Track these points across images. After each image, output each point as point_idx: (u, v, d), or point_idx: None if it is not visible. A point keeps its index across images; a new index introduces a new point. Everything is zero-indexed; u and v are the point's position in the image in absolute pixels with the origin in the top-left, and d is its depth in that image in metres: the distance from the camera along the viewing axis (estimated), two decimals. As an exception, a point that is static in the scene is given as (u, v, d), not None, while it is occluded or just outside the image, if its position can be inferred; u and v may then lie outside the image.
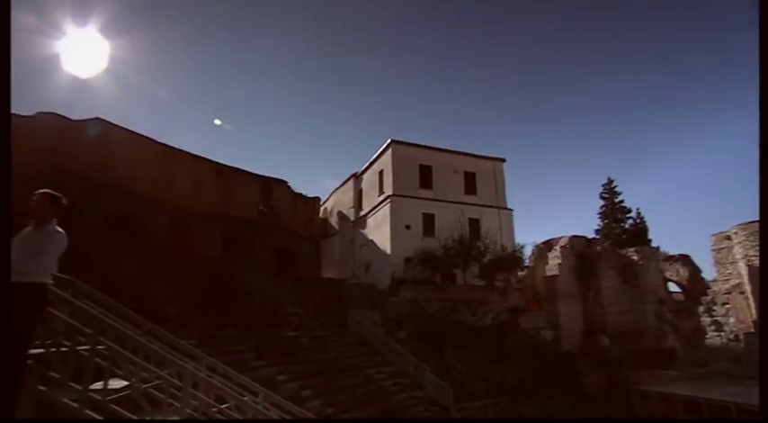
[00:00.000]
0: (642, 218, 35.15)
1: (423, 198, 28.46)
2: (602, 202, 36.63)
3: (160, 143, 21.22)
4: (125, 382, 4.19)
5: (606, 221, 35.87)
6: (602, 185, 36.87)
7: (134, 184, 18.88)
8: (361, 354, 17.35)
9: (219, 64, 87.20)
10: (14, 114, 16.92)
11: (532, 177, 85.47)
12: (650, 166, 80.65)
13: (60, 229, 3.45)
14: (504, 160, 32.05)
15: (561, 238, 28.54)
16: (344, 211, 34.20)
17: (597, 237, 32.67)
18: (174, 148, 21.86)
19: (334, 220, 35.22)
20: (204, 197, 22.36)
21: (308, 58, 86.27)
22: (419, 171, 29.09)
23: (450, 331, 21.57)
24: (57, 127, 17.71)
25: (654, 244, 30.66)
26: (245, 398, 5.34)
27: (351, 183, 34.06)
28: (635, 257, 25.88)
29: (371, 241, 29.50)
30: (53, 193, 3.51)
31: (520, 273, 28.42)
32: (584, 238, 28.42)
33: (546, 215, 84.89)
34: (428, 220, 28.20)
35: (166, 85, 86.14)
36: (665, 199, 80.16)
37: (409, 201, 27.96)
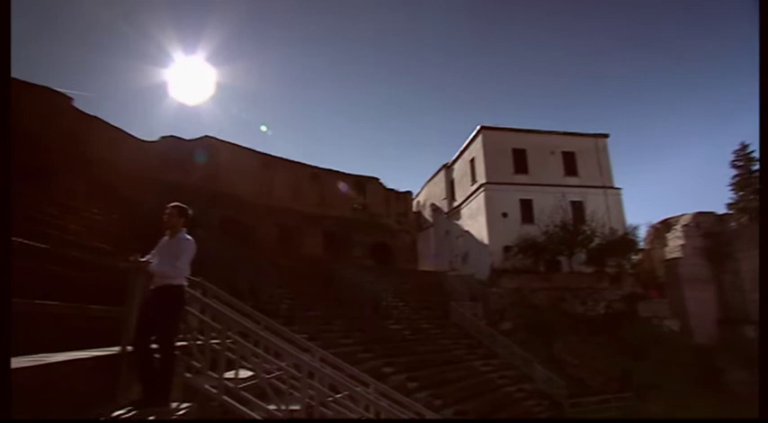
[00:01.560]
0: (790, 186, 29.60)
1: (518, 184, 27.19)
2: (734, 172, 31.65)
3: (261, 153, 23.05)
4: (250, 372, 4.63)
5: (742, 193, 30.89)
6: (734, 152, 31.81)
7: (241, 192, 20.80)
8: (465, 346, 17.17)
9: (316, 78, 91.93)
10: (141, 140, 19.78)
11: (641, 153, 77.04)
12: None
13: (190, 237, 3.93)
14: (606, 136, 29.33)
15: (682, 216, 25.31)
16: (437, 203, 34.04)
17: (730, 211, 28.26)
18: (274, 157, 23.55)
19: (427, 213, 35.27)
20: (303, 199, 23.81)
21: (393, 53, 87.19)
22: (512, 156, 27.83)
23: (558, 322, 20.37)
24: (175, 147, 20.19)
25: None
26: (357, 389, 5.57)
27: (442, 174, 33.75)
28: (783, 233, 21.94)
29: (467, 232, 28.98)
30: (182, 205, 4.00)
31: (634, 257, 25.79)
32: (712, 214, 24.87)
33: (659, 193, 76.05)
34: (526, 206, 26.88)
35: (268, 105, 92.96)
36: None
37: (504, 188, 26.89)
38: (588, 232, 23.90)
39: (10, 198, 1.30)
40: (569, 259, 24.13)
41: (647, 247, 26.48)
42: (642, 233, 26.40)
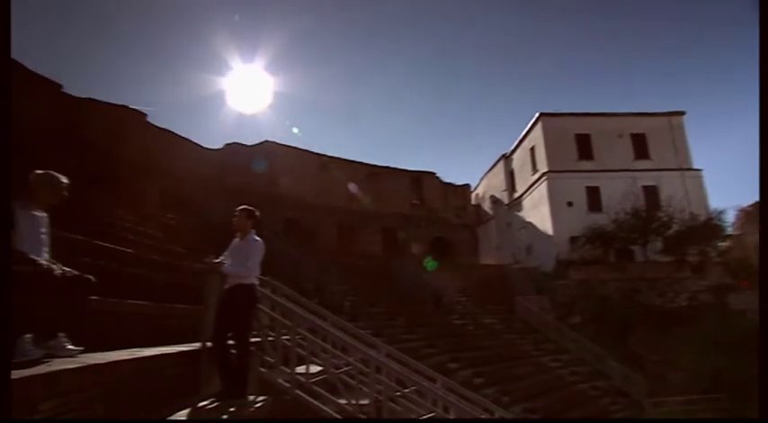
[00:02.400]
0: None
1: (583, 170, 25.75)
2: None
3: (318, 154, 23.65)
4: (319, 367, 4.76)
5: None
6: None
7: (301, 194, 21.49)
8: (532, 341, 16.61)
9: (370, 79, 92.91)
10: (206, 148, 21.06)
11: (724, 131, 70.07)
12: None
13: (258, 238, 4.11)
14: (682, 113, 26.95)
15: (778, 196, 22.65)
16: (497, 195, 33.12)
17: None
18: (331, 157, 24.07)
19: (487, 206, 34.43)
20: (362, 197, 24.13)
21: (444, 46, 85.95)
22: (576, 142, 26.39)
23: (633, 315, 19.05)
24: (238, 153, 21.28)
25: None
26: (424, 384, 5.55)
27: (501, 164, 32.77)
28: None
29: (530, 223, 27.94)
30: (249, 208, 4.19)
31: (721, 244, 23.50)
32: (814, 193, 22.04)
33: (748, 173, 68.72)
34: (592, 193, 25.41)
35: (322, 109, 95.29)
36: None
37: (568, 175, 25.59)
38: (664, 219, 22.11)
39: (10, 198, 1.37)
40: (643, 248, 22.50)
41: (737, 232, 24.06)
42: (730, 218, 24.00)
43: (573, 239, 24.02)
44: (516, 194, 30.36)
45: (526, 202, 28.79)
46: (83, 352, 2.97)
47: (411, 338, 12.92)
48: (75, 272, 3.13)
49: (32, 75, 14.82)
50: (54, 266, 2.98)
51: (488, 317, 17.34)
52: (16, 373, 2.06)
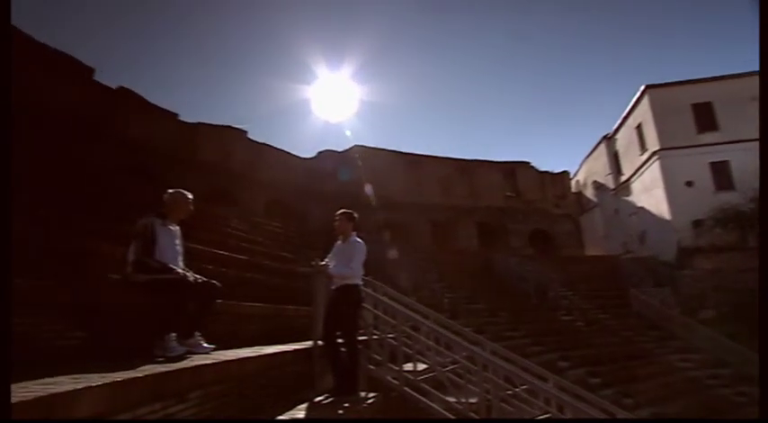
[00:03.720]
0: None
1: (705, 144, 22.59)
2: None
3: (407, 153, 23.86)
4: (425, 365, 4.78)
5: None
6: None
7: (392, 194, 21.86)
8: (654, 338, 14.98)
9: (458, 75, 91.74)
10: (301, 157, 22.40)
11: None
12: None
13: (360, 240, 4.26)
14: (835, 63, 22.35)
15: None
16: (600, 180, 30.51)
17: None
18: (420, 155, 24.15)
19: (589, 192, 31.88)
20: (453, 193, 23.86)
21: (533, 31, 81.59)
22: (693, 112, 23.23)
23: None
24: (330, 160, 22.33)
25: None
26: (535, 382, 5.29)
27: (602, 147, 30.12)
28: None
29: (642, 208, 25.27)
30: (349, 211, 4.38)
31: None
32: None
33: None
34: (720, 170, 22.15)
35: (412, 116, 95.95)
36: None
37: (685, 152, 22.62)
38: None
39: (10, 197, 1.49)
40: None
41: None
42: None
43: (697, 223, 21.17)
44: (623, 178, 27.65)
45: (635, 186, 26.09)
46: (215, 349, 3.34)
47: (515, 336, 12.41)
48: (204, 278, 3.54)
49: (154, 108, 17.10)
50: (188, 274, 3.38)
51: (599, 312, 16.02)
52: (168, 367, 2.37)
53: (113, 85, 15.86)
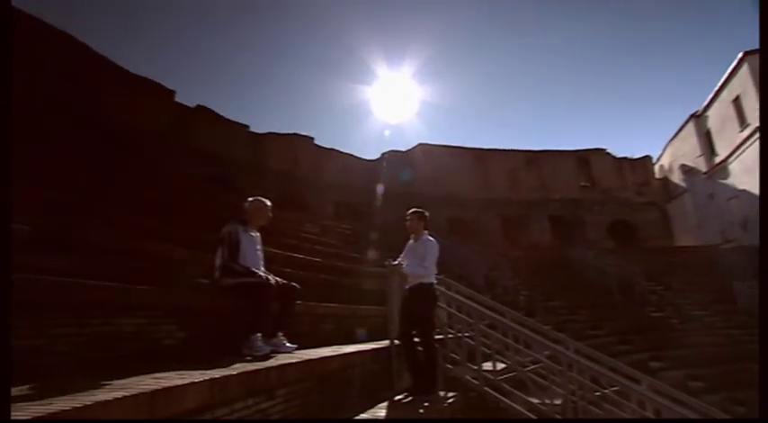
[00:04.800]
0: None
1: (818, 115, 19.71)
2: None
3: (473, 148, 23.37)
4: (503, 364, 4.63)
5: None
6: None
7: (459, 190, 21.51)
8: None
9: (524, 66, 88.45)
10: (366, 159, 22.74)
11: None
12: None
13: (432, 238, 4.22)
14: None
15: None
16: (689, 164, 27.74)
17: None
18: (485, 149, 23.56)
19: (677, 177, 29.11)
20: (522, 186, 23.00)
21: (604, 16, 76.39)
22: (805, 77, 20.36)
23: None
24: (395, 160, 22.45)
25: None
26: (626, 383, 4.92)
27: (690, 126, 27.33)
28: None
29: (743, 191, 22.58)
30: (419, 210, 4.35)
31: None
32: None
33: None
34: None
35: (476, 113, 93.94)
36: None
37: (798, 124, 19.87)
38: None
39: (10, 197, 1.54)
40: None
41: None
42: None
43: (813, 205, 18.54)
44: (718, 159, 24.92)
45: (734, 167, 23.38)
46: (296, 348, 3.48)
47: (598, 334, 11.66)
48: (284, 281, 3.71)
49: (228, 121, 18.32)
50: (270, 277, 3.56)
51: (696, 308, 14.55)
52: (257, 365, 2.51)
53: (191, 104, 17.23)
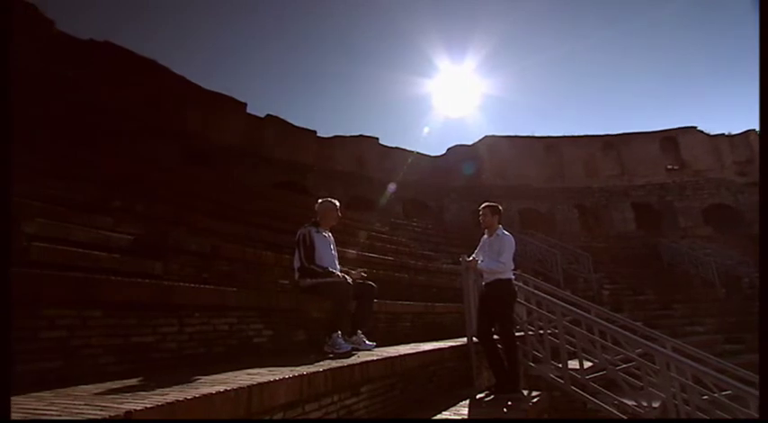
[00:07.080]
0: None
1: None
2: None
3: (542, 137, 22.34)
4: (590, 363, 4.35)
5: None
6: None
7: (531, 181, 20.64)
8: None
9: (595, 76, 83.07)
10: (432, 156, 22.50)
11: None
12: None
13: (507, 233, 4.08)
14: None
15: None
16: (805, 135, 24.26)
17: None
18: (556, 137, 22.41)
19: (786, 152, 25.64)
20: (600, 173, 21.59)
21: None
22: None
23: None
24: (461, 154, 22.06)
25: None
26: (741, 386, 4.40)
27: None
28: None
29: None
30: (492, 204, 4.21)
31: None
32: None
33: None
34: None
35: (541, 107, 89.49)
36: None
37: None
38: None
39: (10, 197, 1.55)
40: None
41: None
42: None
43: None
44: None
45: None
46: (376, 346, 3.54)
47: (697, 331, 10.60)
48: (361, 280, 3.79)
49: (296, 129, 19.07)
50: (347, 276, 3.65)
51: (820, 300, 12.72)
52: (340, 362, 2.59)
53: (262, 115, 18.17)
